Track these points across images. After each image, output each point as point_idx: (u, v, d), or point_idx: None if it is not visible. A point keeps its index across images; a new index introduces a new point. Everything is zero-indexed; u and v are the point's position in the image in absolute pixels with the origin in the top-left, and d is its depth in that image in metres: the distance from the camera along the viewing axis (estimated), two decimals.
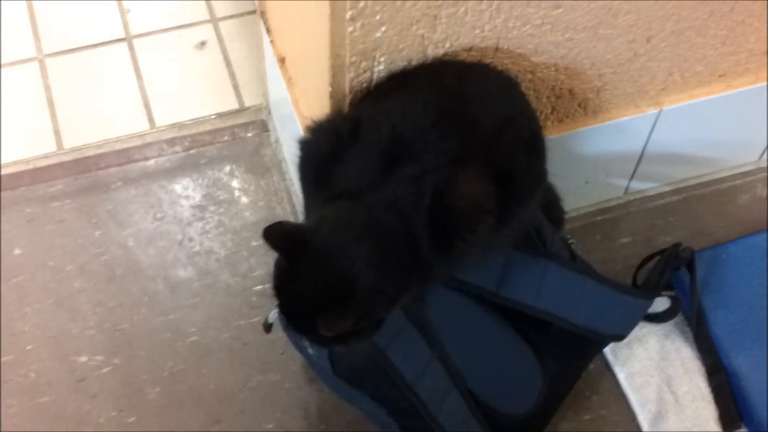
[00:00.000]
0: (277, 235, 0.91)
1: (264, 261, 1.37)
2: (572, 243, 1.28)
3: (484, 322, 1.10)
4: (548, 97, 1.17)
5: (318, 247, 0.90)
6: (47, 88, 1.53)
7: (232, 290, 1.36)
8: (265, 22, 1.29)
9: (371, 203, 0.91)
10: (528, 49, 1.08)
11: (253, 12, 1.61)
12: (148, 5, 1.63)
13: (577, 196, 1.36)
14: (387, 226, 0.90)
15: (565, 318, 1.10)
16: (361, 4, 0.92)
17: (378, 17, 0.95)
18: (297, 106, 1.22)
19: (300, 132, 1.16)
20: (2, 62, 1.56)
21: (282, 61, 1.26)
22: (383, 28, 0.97)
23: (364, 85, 1.04)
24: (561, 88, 1.16)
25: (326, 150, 0.98)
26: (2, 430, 1.26)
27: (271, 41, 1.28)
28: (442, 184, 0.91)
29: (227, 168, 1.48)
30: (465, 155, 0.93)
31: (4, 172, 1.45)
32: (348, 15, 0.93)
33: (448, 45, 1.03)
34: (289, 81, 1.25)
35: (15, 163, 1.47)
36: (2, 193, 1.44)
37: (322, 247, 0.90)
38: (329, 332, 0.89)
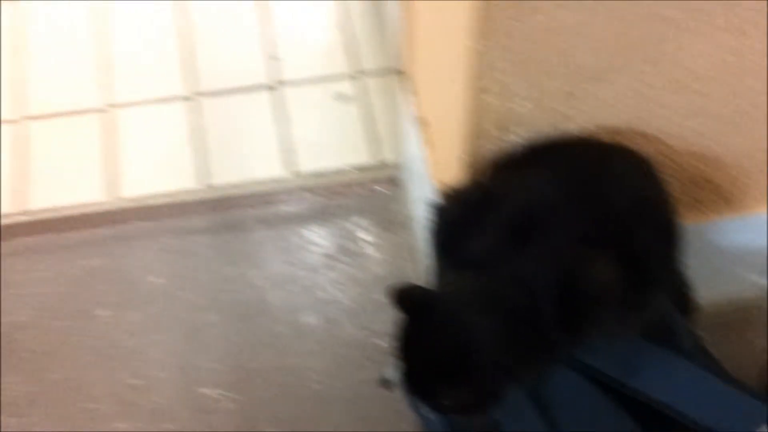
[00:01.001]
0: (404, 296, 0.94)
1: (387, 316, 1.39)
2: (702, 337, 1.26)
3: (603, 408, 1.09)
4: (685, 183, 1.16)
5: (444, 315, 0.92)
6: (196, 127, 1.62)
7: (354, 341, 1.40)
8: (409, 83, 1.33)
9: (499, 276, 0.93)
10: (666, 134, 1.08)
11: (398, 71, 1.66)
12: (294, 55, 1.70)
13: (710, 288, 1.34)
14: (514, 302, 0.91)
15: (686, 414, 1.08)
16: (500, 77, 0.95)
17: (516, 91, 0.97)
18: (431, 168, 1.25)
19: (432, 194, 1.19)
20: (156, 97, 1.65)
21: (421, 122, 1.30)
22: (521, 102, 0.99)
23: (499, 155, 1.06)
24: (699, 176, 1.15)
25: (457, 218, 1.00)
26: None
27: (413, 102, 1.32)
28: (573, 266, 0.91)
29: (359, 220, 1.53)
30: (597, 236, 0.94)
31: (147, 203, 1.54)
32: (487, 87, 0.95)
33: (584, 122, 1.04)
34: (426, 143, 1.28)
35: (158, 195, 1.55)
36: (144, 223, 1.53)
37: (448, 315, 0.92)
38: (448, 402, 0.91)
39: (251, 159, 1.59)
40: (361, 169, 1.58)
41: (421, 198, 1.31)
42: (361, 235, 1.51)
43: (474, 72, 0.95)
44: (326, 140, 1.61)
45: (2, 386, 1.37)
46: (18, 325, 1.43)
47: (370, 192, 1.56)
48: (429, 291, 0.99)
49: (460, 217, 0.99)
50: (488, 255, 0.94)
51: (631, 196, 0.97)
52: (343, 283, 1.46)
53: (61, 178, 1.56)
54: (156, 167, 1.58)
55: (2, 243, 1.50)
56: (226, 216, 1.54)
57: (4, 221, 1.50)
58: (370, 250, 1.50)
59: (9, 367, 1.39)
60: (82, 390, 1.37)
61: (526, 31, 0.92)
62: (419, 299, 0.95)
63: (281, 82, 1.67)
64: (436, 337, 0.92)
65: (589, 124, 1.04)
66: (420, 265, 1.47)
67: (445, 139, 1.18)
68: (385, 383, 1.12)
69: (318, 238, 1.51)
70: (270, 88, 1.66)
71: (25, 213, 1.52)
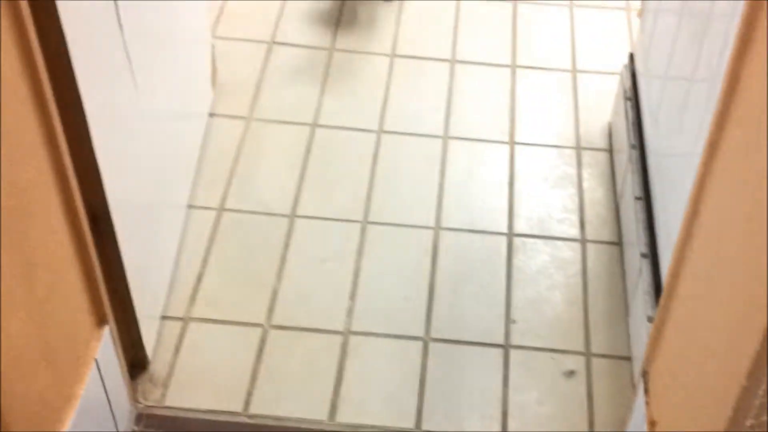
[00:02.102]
0: None
1: None
2: None
3: None
4: None
5: None
6: (421, 369, 1.68)
7: None
8: (645, 382, 1.34)
9: None
10: None
11: (627, 358, 1.67)
12: (529, 320, 1.76)
13: None
14: None
15: None
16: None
17: None
18: None
19: None
20: (392, 333, 1.74)
21: (652, 424, 1.29)
22: None
23: None
24: None
25: None
26: None
27: (646, 402, 1.32)
28: None
29: None
30: None
31: None
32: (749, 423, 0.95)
33: None
34: None
35: (373, 428, 1.60)
36: None
37: None
38: None
39: (467, 410, 1.63)
40: None
41: None
42: None
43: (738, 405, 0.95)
44: (544, 410, 1.63)
45: None
46: None
47: None
48: None
49: None
50: None
51: None
52: None
53: (287, 388, 1.66)
54: (378, 397, 1.65)
55: None
56: None
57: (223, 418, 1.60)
58: None
59: None
60: None
61: None
62: None
63: (514, 345, 1.72)
64: None
65: None
66: None
67: None
68: None
69: None
70: (502, 348, 1.72)
71: (248, 415, 1.62)
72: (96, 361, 1.43)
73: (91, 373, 1.42)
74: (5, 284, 1.15)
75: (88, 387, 1.40)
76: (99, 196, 1.41)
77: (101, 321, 1.46)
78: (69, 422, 1.35)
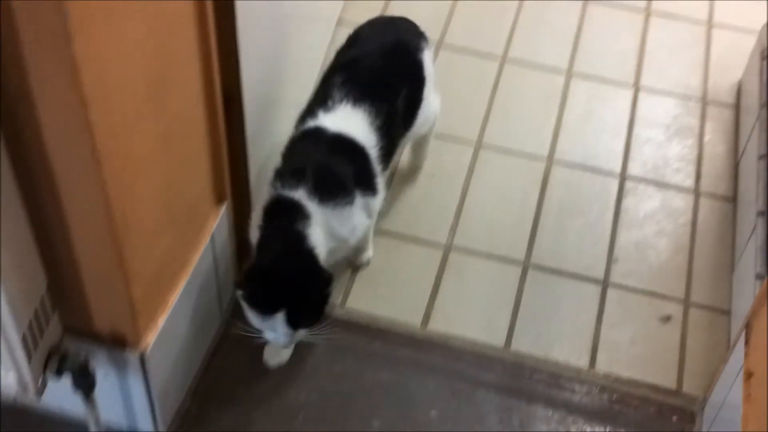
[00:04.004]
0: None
1: None
2: None
3: None
4: None
5: None
6: (519, 292, 1.71)
7: None
8: (747, 334, 1.34)
9: None
10: None
11: (726, 312, 1.66)
12: (632, 262, 1.76)
13: None
14: None
15: None
16: None
17: None
18: (745, 422, 1.24)
19: None
20: (499, 255, 1.76)
21: (748, 375, 1.29)
22: None
23: None
24: None
25: None
26: None
27: (746, 353, 1.32)
28: None
29: None
30: None
31: (452, 342, 1.63)
32: None
33: None
34: (747, 397, 1.27)
35: (464, 339, 1.64)
36: (444, 360, 1.62)
37: None
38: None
39: (558, 339, 1.65)
40: (659, 390, 1.58)
41: None
42: None
43: None
44: (635, 351, 1.63)
45: None
46: (300, 403, 1.56)
47: (660, 417, 1.55)
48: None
49: None
50: None
51: None
52: None
53: (384, 290, 1.70)
54: (472, 314, 1.68)
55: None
56: (518, 382, 1.59)
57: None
58: None
59: None
60: None
61: None
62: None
63: (613, 284, 1.73)
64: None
65: None
66: None
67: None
68: None
69: None
70: (600, 284, 1.72)
71: (342, 307, 1.67)
72: (212, 235, 1.49)
73: (206, 246, 1.48)
74: (146, 147, 1.21)
75: (201, 258, 1.46)
76: (234, 79, 1.46)
77: (221, 198, 1.51)
78: (180, 288, 1.42)
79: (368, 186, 1.55)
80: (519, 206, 1.85)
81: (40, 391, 1.26)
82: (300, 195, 1.44)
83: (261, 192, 1.53)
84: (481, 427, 1.53)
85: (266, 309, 1.39)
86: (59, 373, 1.28)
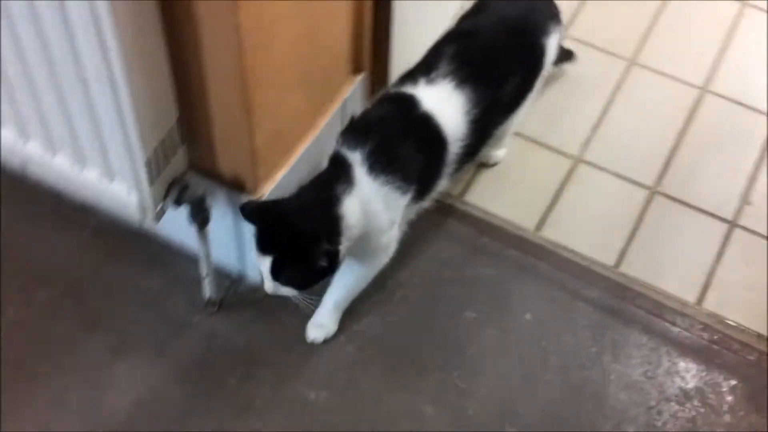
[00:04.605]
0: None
1: None
2: None
3: None
4: None
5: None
6: (639, 215, 1.67)
7: None
8: None
9: None
10: None
11: None
12: (764, 207, 1.68)
13: None
14: None
15: None
16: None
17: None
18: None
19: None
20: (624, 176, 1.73)
21: None
22: None
23: None
24: None
25: None
26: None
27: None
28: None
29: (733, 382, 1.49)
30: None
31: (561, 252, 1.63)
32: None
33: None
34: None
35: (575, 251, 1.63)
36: (549, 267, 1.62)
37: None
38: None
39: (670, 269, 1.61)
40: (764, 340, 1.53)
41: None
42: (727, 396, 1.47)
43: None
44: (748, 296, 1.58)
45: None
46: (401, 282, 1.60)
47: (757, 363, 1.51)
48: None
49: None
50: None
51: None
52: (682, 421, 1.44)
53: (502, 189, 1.70)
54: (587, 228, 1.66)
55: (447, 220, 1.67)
56: (618, 304, 1.58)
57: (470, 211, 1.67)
58: (725, 412, 1.46)
59: None
60: None
61: None
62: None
63: (741, 226, 1.67)
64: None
65: None
66: None
67: None
68: None
69: (685, 372, 1.50)
70: (728, 224, 1.67)
71: (460, 200, 1.68)
72: (344, 103, 1.52)
73: (335, 113, 1.51)
74: (285, 3, 1.24)
75: (329, 124, 1.50)
76: None
77: (358, 69, 1.54)
78: (302, 148, 1.47)
79: (425, 187, 1.42)
80: (660, 131, 1.79)
81: (159, 216, 1.34)
82: (354, 158, 1.32)
83: (401, 69, 1.51)
84: (573, 338, 1.53)
85: (258, 245, 1.31)
86: (178, 203, 1.36)
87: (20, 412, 1.42)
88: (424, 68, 1.42)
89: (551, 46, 1.55)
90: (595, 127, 1.78)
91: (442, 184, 1.46)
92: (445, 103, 1.39)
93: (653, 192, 1.70)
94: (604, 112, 1.80)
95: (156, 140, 1.24)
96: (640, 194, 1.70)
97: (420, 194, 1.42)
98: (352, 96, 1.54)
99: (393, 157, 1.34)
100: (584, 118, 1.80)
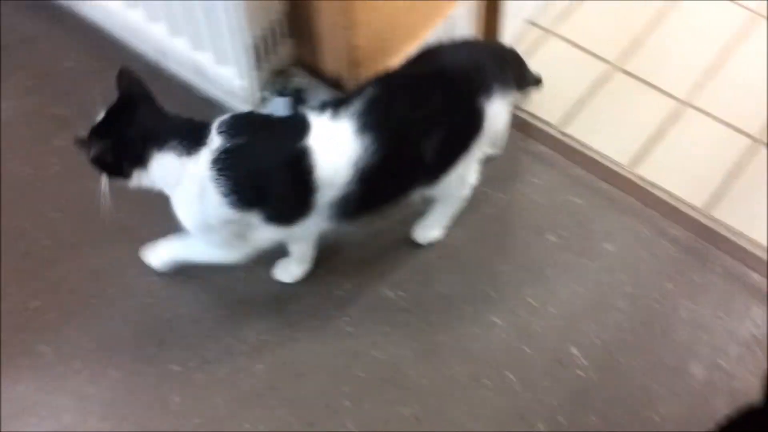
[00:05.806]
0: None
1: None
2: None
3: None
4: None
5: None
6: (741, 163, 1.65)
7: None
8: None
9: None
10: None
11: None
12: None
13: None
14: None
15: None
16: None
17: None
18: None
19: None
20: (729, 123, 1.70)
21: None
22: None
23: None
24: None
25: None
26: None
27: None
28: None
29: None
30: None
31: (651, 190, 1.63)
32: None
33: None
34: None
35: (665, 191, 1.63)
36: (639, 204, 1.63)
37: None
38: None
39: (762, 220, 1.59)
40: None
41: None
42: None
43: None
44: None
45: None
46: (491, 200, 1.64)
47: None
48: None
49: None
50: None
51: None
52: (749, 366, 1.44)
53: (604, 124, 1.72)
54: (683, 170, 1.66)
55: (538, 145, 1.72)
56: (703, 247, 1.57)
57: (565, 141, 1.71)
58: None
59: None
60: None
61: None
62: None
63: None
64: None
65: None
66: None
67: None
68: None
69: (759, 318, 1.49)
70: None
71: (562, 132, 1.71)
72: (450, 20, 1.57)
73: (440, 27, 1.56)
74: None
75: (431, 36, 1.55)
76: None
77: None
78: (403, 55, 1.53)
79: (283, 216, 1.34)
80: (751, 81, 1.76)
81: (262, 102, 1.45)
82: (213, 146, 1.27)
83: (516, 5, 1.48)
84: (650, 273, 1.55)
85: None
86: (281, 93, 1.46)
87: None
88: (341, 101, 1.32)
89: (495, 110, 1.39)
90: (711, 75, 1.76)
91: (318, 223, 1.36)
92: (332, 143, 1.29)
93: (759, 143, 1.67)
94: (724, 60, 1.78)
95: (262, 24, 1.33)
96: (745, 143, 1.67)
97: (276, 220, 1.34)
98: (460, 15, 1.59)
99: (241, 166, 1.27)
100: (700, 64, 1.78)
